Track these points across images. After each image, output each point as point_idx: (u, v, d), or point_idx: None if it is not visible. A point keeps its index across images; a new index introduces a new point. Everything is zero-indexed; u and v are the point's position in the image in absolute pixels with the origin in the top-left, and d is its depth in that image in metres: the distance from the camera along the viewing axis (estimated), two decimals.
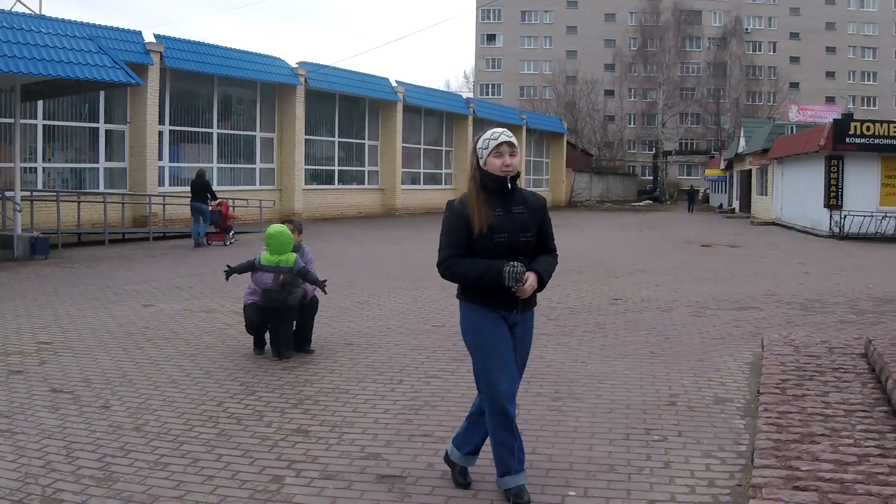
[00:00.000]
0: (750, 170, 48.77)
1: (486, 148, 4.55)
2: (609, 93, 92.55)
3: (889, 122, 31.60)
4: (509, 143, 4.55)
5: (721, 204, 62.79)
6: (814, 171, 32.71)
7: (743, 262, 19.90)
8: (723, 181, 64.81)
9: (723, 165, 61.66)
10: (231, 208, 24.18)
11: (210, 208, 22.19)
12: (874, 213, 29.87)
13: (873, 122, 31.58)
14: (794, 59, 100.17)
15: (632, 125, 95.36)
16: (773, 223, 38.61)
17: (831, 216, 30.73)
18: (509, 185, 4.57)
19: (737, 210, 53.08)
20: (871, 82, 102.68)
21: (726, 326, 10.64)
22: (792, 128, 46.20)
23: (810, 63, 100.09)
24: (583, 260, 19.00)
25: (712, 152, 78.57)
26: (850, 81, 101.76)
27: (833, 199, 30.96)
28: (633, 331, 10.25)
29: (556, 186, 56.59)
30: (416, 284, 14.50)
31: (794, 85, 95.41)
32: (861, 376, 7.00)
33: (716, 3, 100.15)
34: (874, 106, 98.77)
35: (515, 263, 4.45)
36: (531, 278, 4.54)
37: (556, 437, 5.85)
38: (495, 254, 4.49)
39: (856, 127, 30.71)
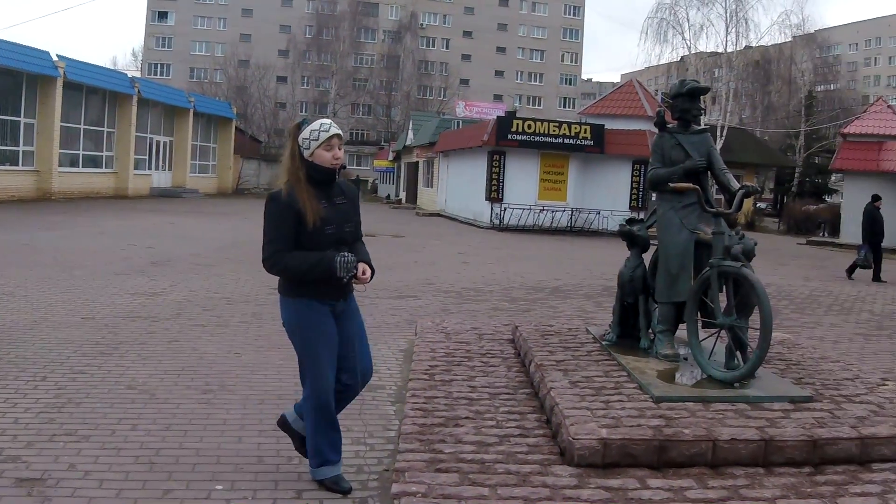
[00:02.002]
0: (417, 162, 50.55)
1: (316, 140, 4.65)
2: (282, 79, 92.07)
3: (550, 121, 34.00)
4: (339, 136, 4.72)
5: (388, 194, 64.62)
6: (477, 165, 34.45)
7: (405, 251, 20.49)
8: (391, 172, 66.70)
9: (391, 157, 63.42)
10: None
11: None
12: (532, 207, 32.02)
13: (535, 120, 33.87)
14: (466, 57, 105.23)
15: (303, 113, 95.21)
16: (438, 214, 40.25)
17: (492, 209, 32.52)
18: (336, 176, 4.76)
19: (403, 201, 54.78)
20: (537, 83, 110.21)
21: (383, 315, 10.88)
22: (458, 122, 48.41)
23: (481, 61, 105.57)
24: (248, 249, 18.64)
25: (382, 143, 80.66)
26: (518, 81, 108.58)
27: (494, 192, 32.81)
28: None
29: (224, 173, 55.14)
30: (68, 274, 13.62)
31: (465, 82, 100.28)
32: (507, 361, 7.38)
33: None
34: (539, 105, 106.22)
35: (346, 254, 4.63)
36: (366, 270, 4.71)
37: (205, 431, 5.75)
38: (325, 246, 4.63)
39: (518, 124, 32.73)
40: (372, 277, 4.81)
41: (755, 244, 6.23)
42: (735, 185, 6.64)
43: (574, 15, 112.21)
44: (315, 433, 4.82)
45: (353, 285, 4.82)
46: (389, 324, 10.22)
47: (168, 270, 14.61)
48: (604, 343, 7.24)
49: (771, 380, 6.09)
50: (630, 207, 32.77)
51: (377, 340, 9.04)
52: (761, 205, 52.76)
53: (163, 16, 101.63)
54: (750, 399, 5.59)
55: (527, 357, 7.03)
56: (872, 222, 19.12)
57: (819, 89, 65.23)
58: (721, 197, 6.98)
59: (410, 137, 53.52)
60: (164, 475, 4.93)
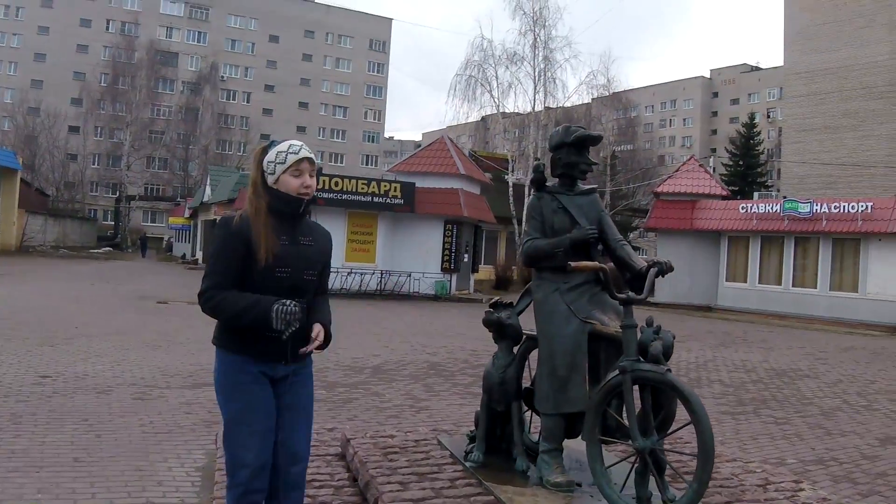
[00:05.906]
0: (215, 219, 48.21)
1: (283, 163, 3.94)
2: (74, 129, 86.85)
3: (358, 178, 32.59)
4: (311, 161, 4.01)
5: (184, 254, 61.81)
6: None
7: (202, 323, 18.35)
8: (187, 230, 64.04)
9: (188, 213, 60.84)
10: None
11: None
12: (339, 269, 30.20)
13: (342, 177, 32.30)
14: (268, 111, 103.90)
15: (95, 165, 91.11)
16: None
17: None
18: (302, 209, 3.99)
19: (200, 261, 52.17)
20: (340, 140, 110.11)
21: (175, 413, 8.79)
22: None
23: (283, 116, 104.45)
24: (17, 320, 16.17)
25: (178, 199, 77.95)
26: (321, 137, 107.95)
27: None
28: (58, 425, 7.94)
29: (7, 229, 50.72)
30: None
31: (266, 136, 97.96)
32: (341, 492, 5.53)
33: (194, 47, 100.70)
34: (342, 163, 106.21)
35: (288, 302, 3.74)
36: (319, 333, 3.91)
37: None
38: (274, 291, 3.82)
39: (325, 181, 31.09)
40: (327, 345, 4.00)
41: (674, 338, 4.75)
42: (639, 261, 5.15)
43: (378, 72, 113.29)
44: None
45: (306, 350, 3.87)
46: (183, 427, 8.14)
47: None
48: (468, 465, 5.54)
49: None
50: (442, 269, 31.93)
51: (168, 454, 7.10)
52: None
53: None
54: None
55: (369, 491, 5.17)
56: None
57: (619, 149, 67.20)
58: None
59: (208, 193, 51.28)
60: None
